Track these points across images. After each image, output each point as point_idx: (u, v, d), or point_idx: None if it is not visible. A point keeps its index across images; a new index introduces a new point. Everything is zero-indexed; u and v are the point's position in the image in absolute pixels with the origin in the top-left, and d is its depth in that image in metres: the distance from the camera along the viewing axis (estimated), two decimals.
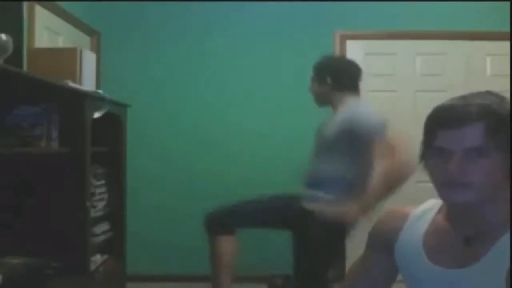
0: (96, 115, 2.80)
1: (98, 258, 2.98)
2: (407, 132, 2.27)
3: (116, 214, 3.22)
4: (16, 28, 2.65)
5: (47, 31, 3.24)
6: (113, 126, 3.20)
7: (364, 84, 2.81)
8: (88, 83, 2.88)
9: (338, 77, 2.69)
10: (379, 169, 2.39)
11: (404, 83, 4.23)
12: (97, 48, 3.99)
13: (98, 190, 2.98)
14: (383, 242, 1.24)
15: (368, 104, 2.73)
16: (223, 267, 2.75)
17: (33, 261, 2.32)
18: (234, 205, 2.80)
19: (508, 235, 1.04)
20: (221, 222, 2.78)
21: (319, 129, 2.78)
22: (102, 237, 3.05)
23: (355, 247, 2.48)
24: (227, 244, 2.75)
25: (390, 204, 1.33)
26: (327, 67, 2.75)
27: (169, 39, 4.21)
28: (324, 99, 2.74)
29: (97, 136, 2.81)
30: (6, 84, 2.25)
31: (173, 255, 4.13)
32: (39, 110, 2.48)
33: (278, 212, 2.74)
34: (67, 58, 2.81)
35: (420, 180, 1.67)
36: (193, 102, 4.21)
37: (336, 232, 2.54)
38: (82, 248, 2.66)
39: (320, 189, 2.57)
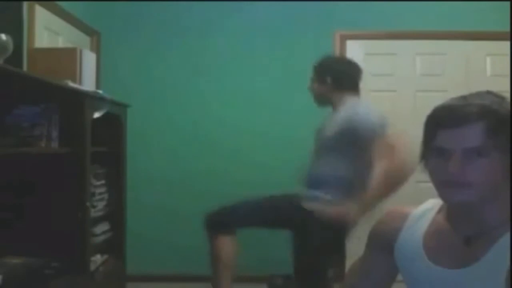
0: (96, 115, 2.80)
1: (98, 258, 2.98)
2: (407, 132, 2.27)
3: (116, 214, 3.22)
4: (16, 28, 2.65)
5: (47, 31, 3.24)
6: (113, 126, 3.20)
7: (364, 84, 2.80)
8: (88, 83, 2.88)
9: (338, 77, 2.70)
10: (378, 169, 2.38)
11: (404, 83, 4.23)
12: (97, 48, 3.99)
13: (98, 190, 2.98)
14: (383, 242, 1.24)
15: (368, 103, 2.73)
16: (223, 267, 2.75)
17: (33, 261, 2.32)
18: (234, 205, 2.79)
19: (508, 235, 1.04)
20: (221, 222, 2.77)
21: (319, 128, 2.78)
22: (102, 237, 3.05)
23: (355, 247, 2.49)
24: (228, 244, 2.75)
25: (390, 205, 1.33)
26: (328, 67, 2.75)
27: (169, 39, 4.21)
28: (324, 99, 2.75)
29: (97, 136, 2.81)
30: (6, 84, 2.25)
31: (173, 255, 4.13)
32: (39, 110, 2.48)
33: (279, 212, 2.73)
34: (67, 58, 2.81)
35: (420, 180, 1.68)
36: (193, 102, 4.21)
37: (336, 231, 2.54)
38: (82, 248, 2.66)
39: (320, 189, 2.57)
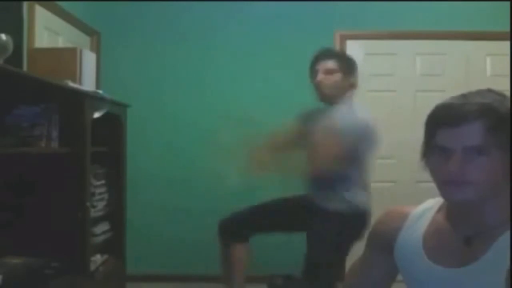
0: (96, 115, 2.80)
1: (98, 258, 2.99)
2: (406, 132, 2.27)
3: (116, 214, 3.22)
4: (16, 28, 2.65)
5: (47, 31, 3.24)
6: (113, 126, 3.20)
7: (364, 84, 2.80)
8: (88, 83, 2.88)
9: (357, 76, 2.69)
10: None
11: (404, 83, 4.23)
12: (97, 48, 3.99)
13: (98, 190, 2.98)
14: (383, 242, 1.24)
15: (362, 108, 2.65)
16: (236, 275, 2.75)
17: (33, 261, 2.32)
18: (247, 212, 2.78)
19: (507, 234, 1.04)
20: (235, 231, 2.77)
21: (308, 115, 2.78)
22: (102, 237, 3.05)
23: (355, 247, 2.49)
24: (241, 252, 2.75)
25: (390, 204, 1.33)
26: (354, 63, 2.72)
27: (169, 39, 4.21)
28: (335, 92, 2.64)
29: (97, 136, 2.81)
30: (6, 84, 2.25)
31: (173, 255, 4.13)
32: (39, 110, 2.48)
33: (293, 216, 2.72)
34: (67, 58, 2.81)
35: (420, 180, 1.68)
36: (193, 101, 4.21)
37: (352, 231, 2.54)
38: (82, 248, 2.66)
39: (328, 188, 2.57)
